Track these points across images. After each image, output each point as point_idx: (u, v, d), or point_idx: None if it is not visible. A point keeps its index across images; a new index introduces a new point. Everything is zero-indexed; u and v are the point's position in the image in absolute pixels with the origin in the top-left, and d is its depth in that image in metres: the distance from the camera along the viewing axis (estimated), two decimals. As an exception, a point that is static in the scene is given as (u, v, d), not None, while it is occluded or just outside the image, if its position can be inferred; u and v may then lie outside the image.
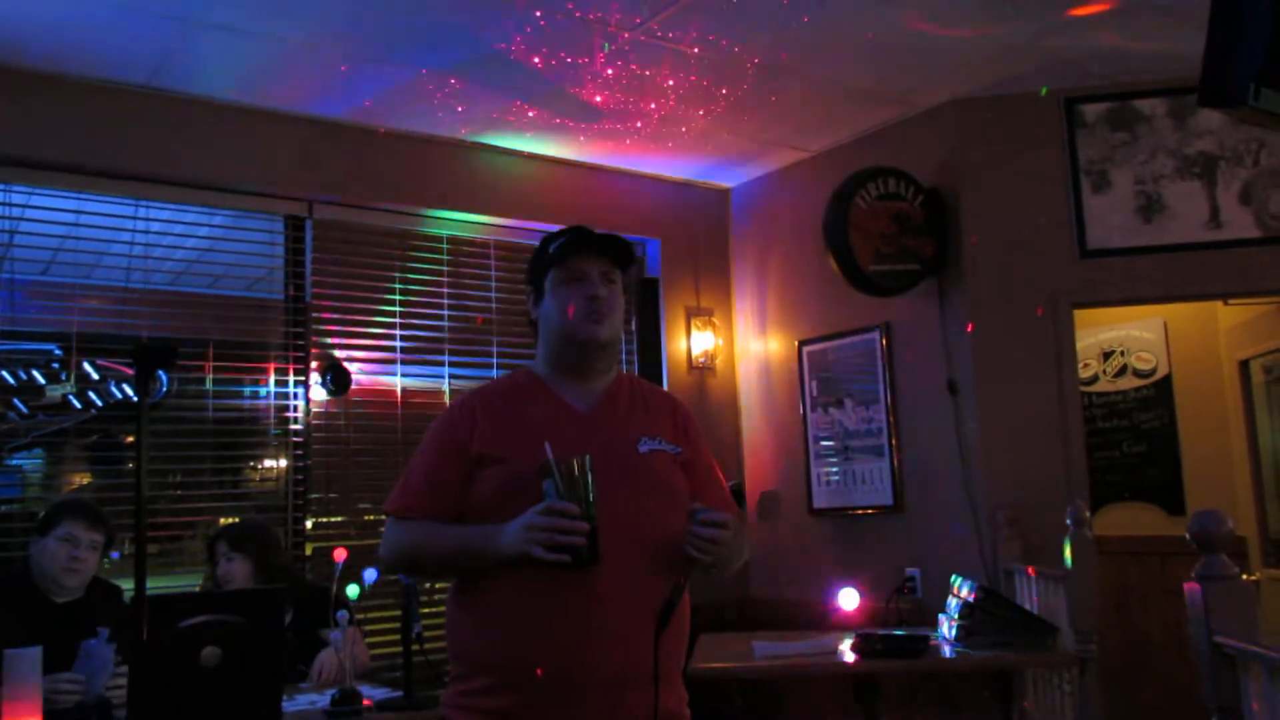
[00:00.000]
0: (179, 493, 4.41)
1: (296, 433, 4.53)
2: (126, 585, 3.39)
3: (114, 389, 4.12)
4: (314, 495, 4.51)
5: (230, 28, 3.75)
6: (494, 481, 2.02)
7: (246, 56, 4.00)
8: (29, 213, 4.10)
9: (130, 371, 4.04)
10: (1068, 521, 3.73)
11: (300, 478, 4.50)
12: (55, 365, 4.06)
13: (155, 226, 4.32)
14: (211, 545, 3.69)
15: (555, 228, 5.49)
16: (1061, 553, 3.75)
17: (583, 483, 1.91)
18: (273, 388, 4.55)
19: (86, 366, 4.12)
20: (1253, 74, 1.33)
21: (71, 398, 4.05)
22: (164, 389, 4.20)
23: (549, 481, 1.91)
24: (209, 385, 4.39)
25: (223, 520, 4.53)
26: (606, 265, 2.13)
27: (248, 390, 4.58)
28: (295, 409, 4.53)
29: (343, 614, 3.07)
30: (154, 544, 4.21)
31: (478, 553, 1.98)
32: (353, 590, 3.12)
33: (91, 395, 4.10)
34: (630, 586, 1.95)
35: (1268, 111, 1.37)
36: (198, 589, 4.26)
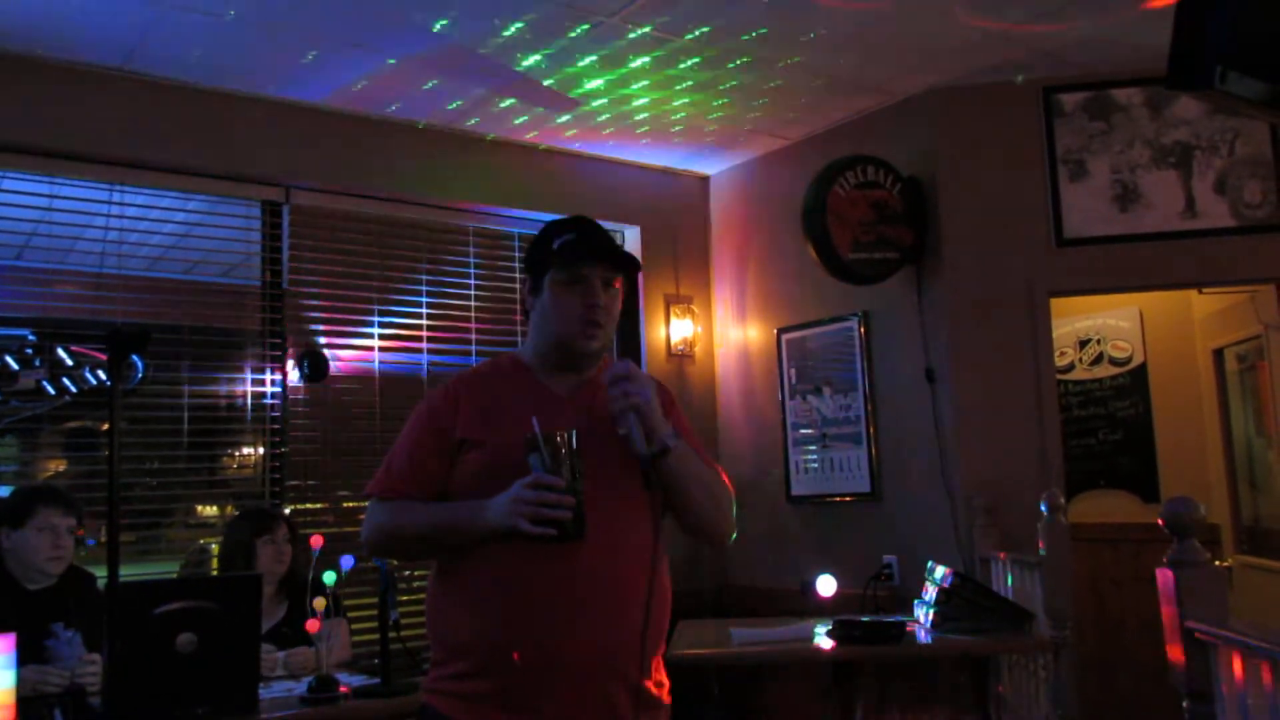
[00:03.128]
0: (155, 481, 4.38)
1: (274, 419, 4.50)
2: (101, 572, 3.37)
3: (88, 375, 4.09)
4: (291, 482, 4.49)
5: (206, 11, 3.71)
6: (475, 465, 2.03)
7: (223, 40, 3.96)
8: (2, 197, 4.06)
9: (104, 357, 4.01)
10: (1042, 509, 3.76)
11: (277, 465, 4.48)
12: (29, 351, 4.02)
13: (130, 211, 4.28)
14: (265, 528, 3.65)
15: (534, 215, 5.42)
16: (1036, 540, 3.78)
17: (569, 457, 1.92)
18: (249, 374, 4.52)
19: (60, 352, 4.08)
20: (1219, 57, 1.34)
21: (45, 383, 4.02)
22: (139, 375, 4.17)
23: (535, 456, 1.92)
24: (185, 372, 4.37)
25: (204, 508, 4.53)
26: (608, 270, 2.10)
27: (224, 377, 4.55)
28: (272, 396, 4.51)
29: (320, 602, 3.06)
30: (131, 531, 4.19)
31: (463, 527, 1.99)
32: (329, 577, 3.11)
33: (65, 381, 4.07)
34: (608, 568, 1.95)
35: (1234, 95, 1.38)
36: (176, 575, 4.25)
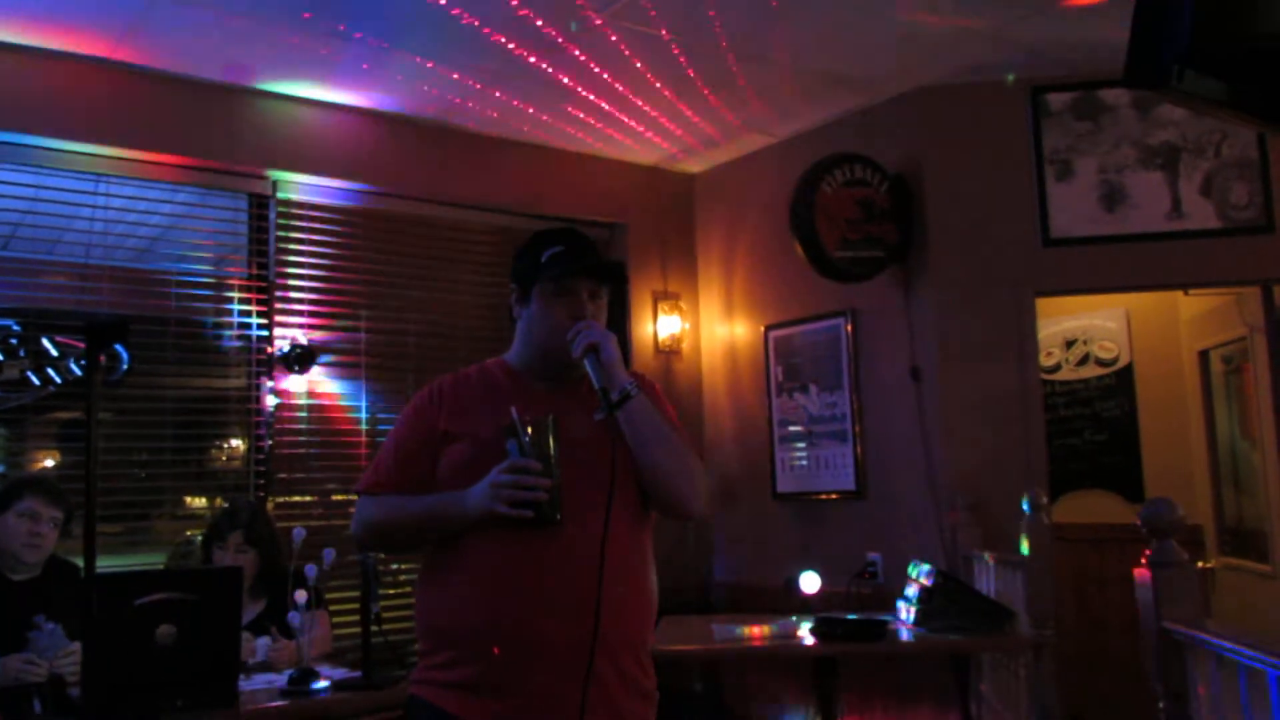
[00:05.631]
0: (143, 473, 4.38)
1: (259, 412, 4.50)
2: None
3: (73, 366, 4.08)
4: (278, 475, 4.49)
5: (195, 1, 3.70)
6: (458, 456, 2.08)
7: (211, 31, 3.95)
8: (-12, 187, 4.05)
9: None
10: (1025, 508, 3.77)
11: (263, 457, 4.47)
12: (13, 341, 4.01)
13: (117, 203, 4.27)
14: (219, 534, 3.59)
15: (522, 211, 5.40)
16: (1020, 539, 3.79)
17: (545, 441, 1.98)
18: (236, 367, 4.51)
19: (45, 343, 4.07)
20: (1176, 56, 1.34)
21: (30, 374, 4.00)
22: (124, 366, 4.16)
23: (512, 441, 1.98)
24: (171, 364, 4.36)
25: (191, 500, 4.51)
26: (595, 283, 2.16)
27: (211, 369, 4.54)
28: (258, 388, 4.50)
29: (301, 595, 3.06)
30: (118, 523, 4.18)
31: (446, 516, 2.04)
32: (310, 570, 3.11)
33: (50, 372, 4.05)
34: (583, 557, 1.97)
35: (1190, 94, 1.38)
36: (163, 567, 4.24)
